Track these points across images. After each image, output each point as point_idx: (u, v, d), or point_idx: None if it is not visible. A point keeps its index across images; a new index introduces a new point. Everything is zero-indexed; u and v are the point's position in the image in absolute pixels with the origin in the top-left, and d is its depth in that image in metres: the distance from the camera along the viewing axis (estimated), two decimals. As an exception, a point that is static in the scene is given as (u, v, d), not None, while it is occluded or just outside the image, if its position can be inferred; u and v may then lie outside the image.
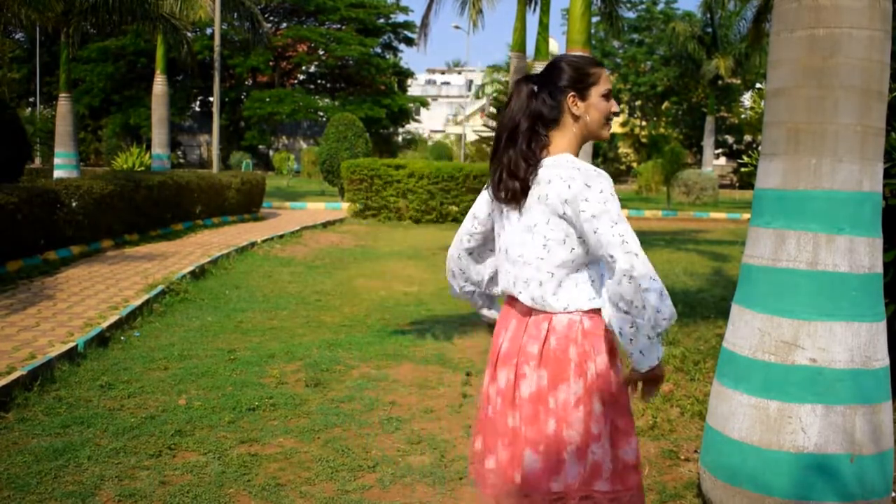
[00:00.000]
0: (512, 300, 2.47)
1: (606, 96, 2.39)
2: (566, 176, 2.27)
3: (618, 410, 2.35)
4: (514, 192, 2.35)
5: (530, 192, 2.34)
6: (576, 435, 2.28)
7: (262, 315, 7.61)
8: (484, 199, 2.58)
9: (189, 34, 21.82)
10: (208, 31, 37.95)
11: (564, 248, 2.31)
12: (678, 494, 3.67)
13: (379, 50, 47.29)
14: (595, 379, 2.31)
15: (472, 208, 2.62)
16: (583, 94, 2.36)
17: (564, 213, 2.28)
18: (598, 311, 2.33)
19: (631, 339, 2.22)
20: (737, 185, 40.03)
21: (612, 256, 2.18)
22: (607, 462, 2.31)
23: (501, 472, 2.39)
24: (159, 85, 23.62)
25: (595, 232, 2.21)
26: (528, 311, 2.39)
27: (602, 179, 2.25)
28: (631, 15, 41.60)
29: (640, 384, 2.35)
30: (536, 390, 2.33)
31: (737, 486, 3.17)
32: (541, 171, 2.33)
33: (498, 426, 2.41)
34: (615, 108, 2.41)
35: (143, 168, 23.93)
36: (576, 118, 2.38)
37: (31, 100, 43.43)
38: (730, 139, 44.66)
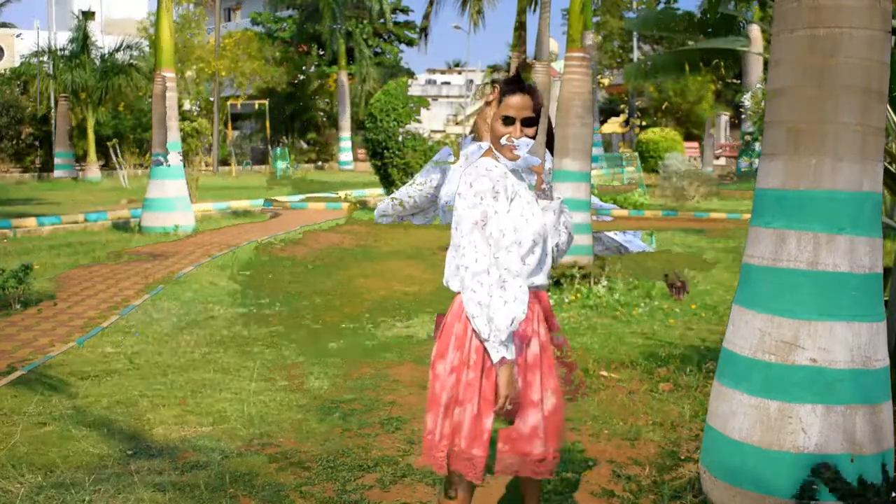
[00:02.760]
0: None
1: (505, 121, 2.57)
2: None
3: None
4: None
5: None
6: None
7: (261, 315, 7.60)
8: None
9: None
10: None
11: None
12: (678, 494, 3.67)
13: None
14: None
15: None
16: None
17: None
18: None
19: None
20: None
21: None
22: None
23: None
24: (159, 85, 23.56)
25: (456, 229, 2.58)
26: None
27: (473, 180, 2.52)
28: (631, 15, 41.58)
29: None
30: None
31: (737, 486, 3.17)
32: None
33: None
34: (514, 133, 2.57)
35: (142, 168, 23.93)
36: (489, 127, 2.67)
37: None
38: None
